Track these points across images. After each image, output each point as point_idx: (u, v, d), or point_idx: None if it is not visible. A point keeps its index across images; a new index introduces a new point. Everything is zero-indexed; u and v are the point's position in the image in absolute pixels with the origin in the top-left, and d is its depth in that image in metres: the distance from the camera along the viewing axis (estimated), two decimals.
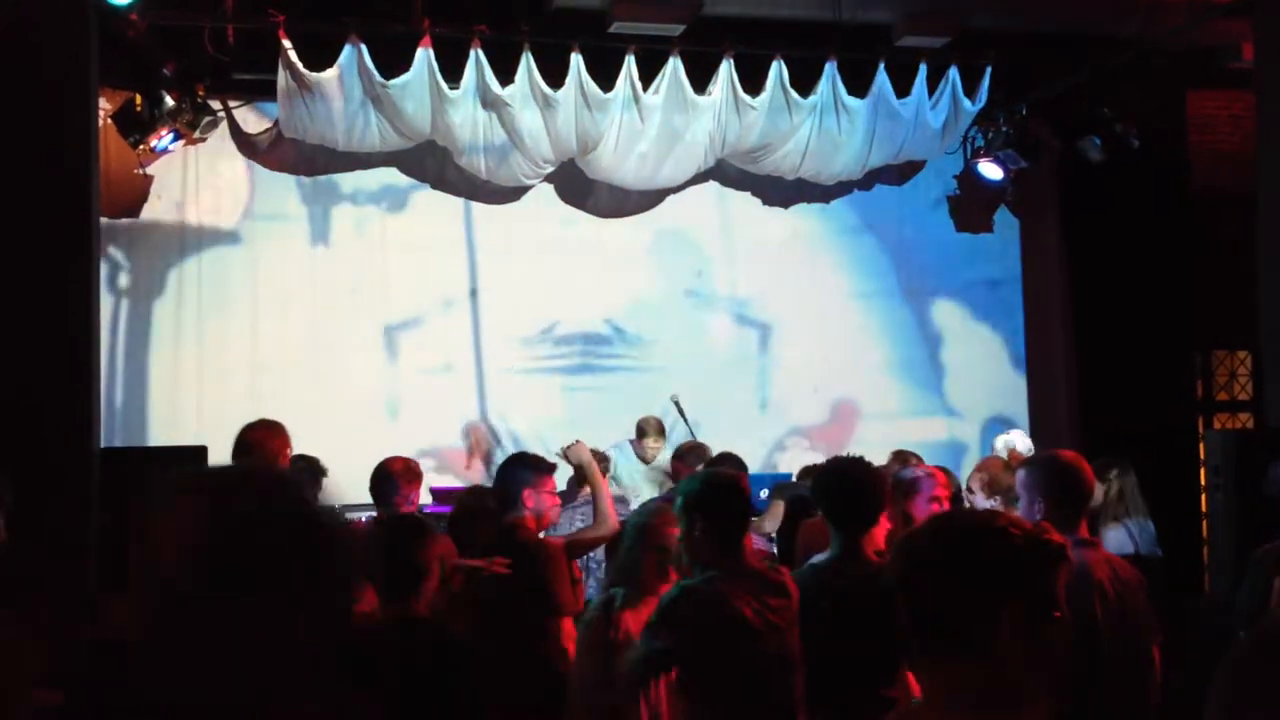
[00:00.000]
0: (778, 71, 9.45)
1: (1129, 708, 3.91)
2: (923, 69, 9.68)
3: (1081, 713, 3.77)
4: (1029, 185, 10.85)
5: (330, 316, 9.80)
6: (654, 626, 4.05)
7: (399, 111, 9.00)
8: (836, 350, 10.64)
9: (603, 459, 8.11)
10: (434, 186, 10.08)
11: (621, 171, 9.81)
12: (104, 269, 8.72)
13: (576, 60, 9.07)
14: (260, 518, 1.59)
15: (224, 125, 9.57)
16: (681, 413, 9.17)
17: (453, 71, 8.92)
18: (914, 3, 9.27)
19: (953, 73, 9.72)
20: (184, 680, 1.54)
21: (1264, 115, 8.16)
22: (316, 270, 9.86)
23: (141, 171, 9.40)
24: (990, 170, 10.46)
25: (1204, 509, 8.89)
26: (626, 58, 9.18)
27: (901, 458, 7.16)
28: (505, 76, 8.99)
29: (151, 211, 9.57)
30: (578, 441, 6.04)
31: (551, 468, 5.62)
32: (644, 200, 10.35)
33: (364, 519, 6.32)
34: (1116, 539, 6.28)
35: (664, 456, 9.11)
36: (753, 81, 9.45)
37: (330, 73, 8.76)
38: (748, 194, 10.64)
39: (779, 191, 10.61)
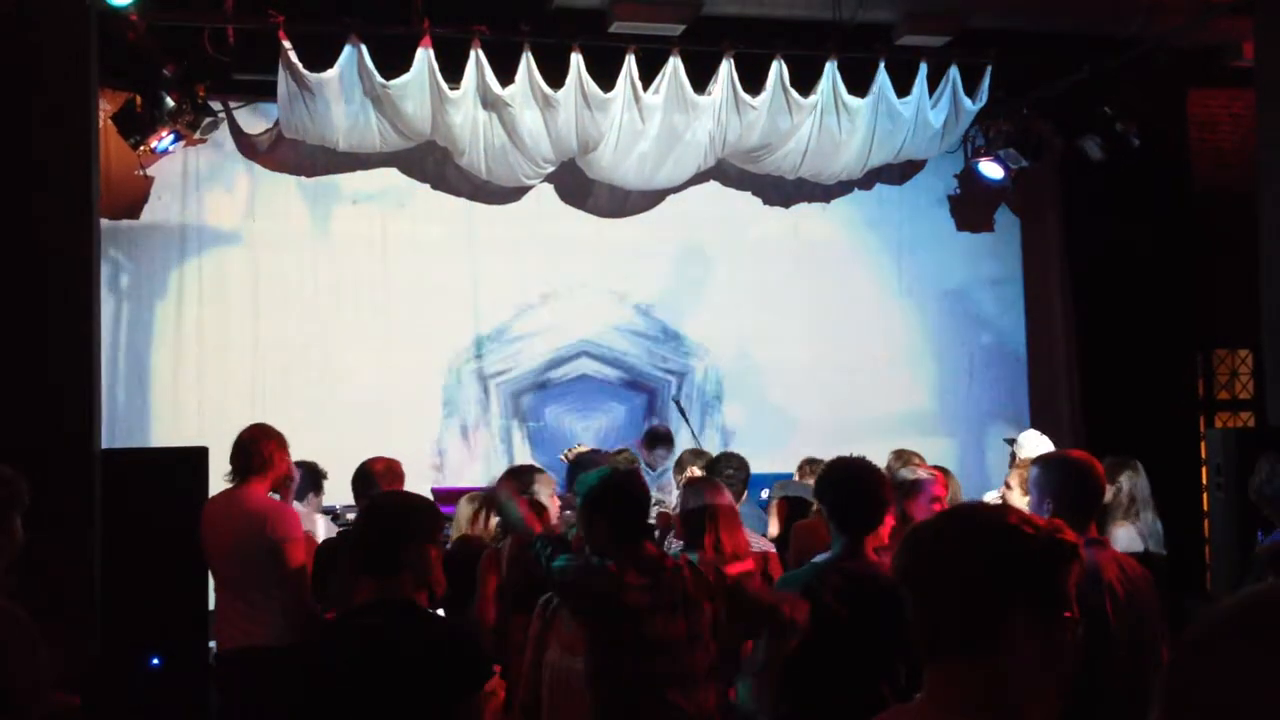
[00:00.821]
0: (778, 71, 9.44)
1: (1138, 708, 3.90)
2: (923, 68, 9.67)
3: (1090, 713, 3.76)
4: (1030, 184, 10.84)
5: (331, 317, 9.80)
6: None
7: (399, 112, 9.00)
8: (837, 349, 10.63)
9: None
10: (434, 187, 10.08)
11: (622, 171, 9.81)
12: (105, 270, 8.71)
13: (577, 60, 9.06)
14: None
15: (224, 126, 9.58)
16: (684, 414, 9.17)
17: (453, 72, 8.91)
18: (914, 2, 9.26)
19: (953, 72, 9.71)
20: None
21: (1265, 114, 8.15)
22: (317, 271, 9.86)
23: (142, 172, 9.40)
24: (991, 169, 10.45)
25: (1205, 508, 8.88)
26: (627, 57, 9.17)
27: (902, 457, 7.15)
28: (505, 77, 8.99)
29: (152, 213, 9.57)
30: (580, 445, 6.07)
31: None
32: (644, 200, 10.35)
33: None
34: (1126, 537, 6.27)
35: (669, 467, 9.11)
36: (753, 81, 9.45)
37: (330, 73, 8.75)
38: (748, 194, 10.64)
39: (779, 191, 10.61)
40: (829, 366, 10.57)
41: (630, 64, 9.18)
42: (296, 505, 6.36)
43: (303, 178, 9.87)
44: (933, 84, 9.72)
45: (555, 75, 9.06)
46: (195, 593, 6.43)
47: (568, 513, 5.91)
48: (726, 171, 10.39)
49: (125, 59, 8.37)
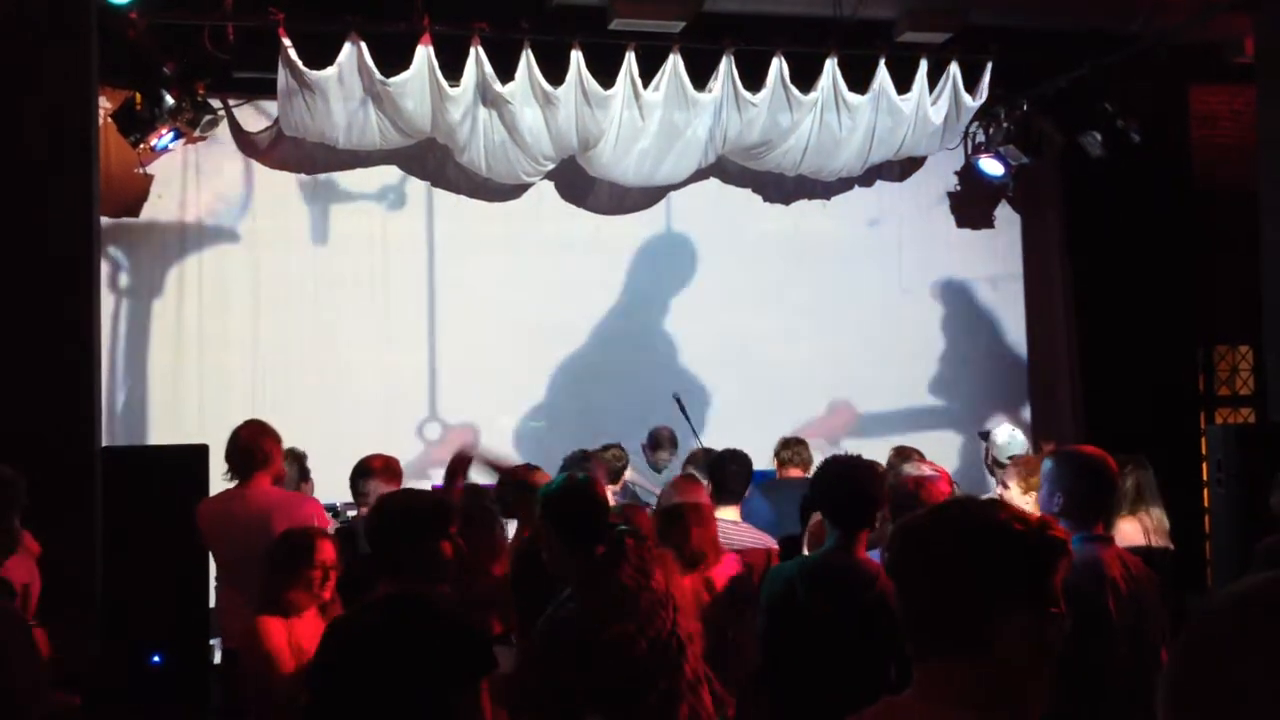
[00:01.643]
0: (778, 68, 9.43)
1: (1141, 706, 3.90)
2: (923, 65, 9.67)
3: (1093, 711, 3.76)
4: (1030, 181, 10.84)
5: (331, 315, 9.80)
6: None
7: (399, 109, 8.99)
8: (838, 347, 10.63)
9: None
10: (434, 184, 10.08)
11: (622, 168, 9.80)
12: (104, 268, 8.72)
13: (577, 57, 9.05)
14: None
15: (224, 124, 9.55)
16: (683, 410, 9.15)
17: (453, 69, 8.91)
18: None
19: (953, 68, 9.71)
20: None
21: (1265, 109, 8.15)
22: (317, 268, 9.87)
23: (142, 170, 9.40)
24: (991, 166, 10.44)
25: (1206, 504, 8.88)
26: (627, 55, 9.16)
27: (903, 454, 7.15)
28: (505, 74, 8.98)
29: (152, 210, 9.57)
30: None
31: None
32: (644, 197, 10.34)
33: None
34: (1129, 531, 6.28)
35: (674, 468, 9.11)
36: (753, 78, 9.44)
37: (330, 71, 8.74)
38: (748, 191, 10.64)
39: (780, 188, 10.61)
40: (829, 363, 10.57)
41: (630, 61, 9.17)
42: None
43: (303, 175, 9.87)
44: (933, 81, 9.72)
45: (555, 72, 9.05)
46: (196, 590, 6.44)
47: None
48: (727, 169, 10.39)
49: (125, 57, 8.37)
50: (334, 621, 3.97)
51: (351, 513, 6.99)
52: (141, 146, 8.92)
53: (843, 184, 10.62)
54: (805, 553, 5.79)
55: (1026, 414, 10.88)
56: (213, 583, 6.45)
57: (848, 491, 4.44)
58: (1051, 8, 9.46)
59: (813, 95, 9.57)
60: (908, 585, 2.03)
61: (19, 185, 6.63)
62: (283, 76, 8.72)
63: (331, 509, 7.61)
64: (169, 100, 8.61)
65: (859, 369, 10.63)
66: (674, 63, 9.24)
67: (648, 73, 9.26)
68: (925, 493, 5.08)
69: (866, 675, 3.99)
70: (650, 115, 9.39)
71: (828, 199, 10.75)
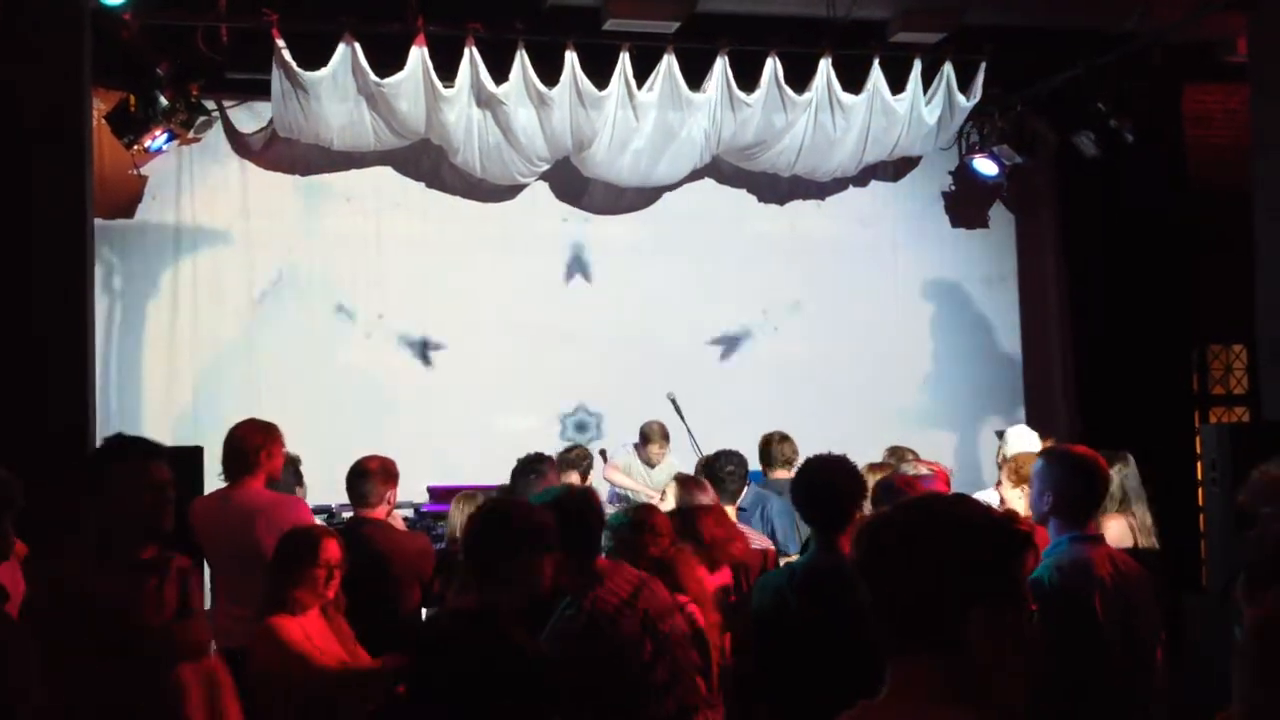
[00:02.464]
0: (772, 68, 9.44)
1: (1131, 705, 3.90)
2: (917, 65, 9.68)
3: (1084, 710, 3.76)
4: (1024, 181, 10.84)
5: (326, 316, 9.79)
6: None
7: (393, 110, 8.99)
8: (832, 346, 10.63)
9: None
10: (429, 185, 10.08)
11: (616, 169, 9.81)
12: (98, 270, 8.70)
13: (571, 58, 9.06)
14: None
15: (218, 125, 9.56)
16: (678, 411, 9.16)
17: (447, 70, 8.91)
18: None
19: (947, 68, 9.72)
20: None
21: (1259, 109, 8.16)
22: (312, 270, 9.85)
23: (136, 172, 9.38)
24: (985, 166, 10.45)
25: (1200, 503, 8.89)
26: (621, 55, 9.17)
27: (897, 454, 7.16)
28: (500, 75, 8.98)
29: (146, 212, 9.56)
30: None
31: None
32: (639, 198, 10.34)
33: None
34: (1117, 530, 6.27)
35: (669, 461, 9.10)
36: (747, 78, 9.45)
37: (324, 72, 8.74)
38: (743, 191, 10.64)
39: (774, 188, 10.61)
40: (824, 363, 10.57)
41: (625, 61, 9.18)
42: None
43: (297, 176, 9.87)
44: (927, 81, 9.73)
45: (550, 73, 9.06)
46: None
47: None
48: (721, 169, 10.39)
49: (119, 58, 8.36)
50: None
51: (347, 514, 6.98)
52: (135, 148, 8.91)
53: (837, 184, 10.62)
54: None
55: (1021, 413, 10.87)
56: (208, 583, 6.44)
57: (823, 492, 4.43)
58: (1045, 8, 9.47)
59: (807, 95, 9.58)
60: (876, 582, 2.02)
61: (12, 186, 6.62)
62: (276, 78, 8.72)
63: (326, 510, 7.61)
64: (163, 101, 8.60)
65: (853, 368, 10.63)
66: (668, 63, 9.25)
67: (642, 73, 9.26)
68: (913, 491, 5.07)
69: (860, 677, 3.99)
70: (645, 116, 9.40)
71: (822, 199, 10.75)
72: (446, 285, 10.07)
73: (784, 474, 7.42)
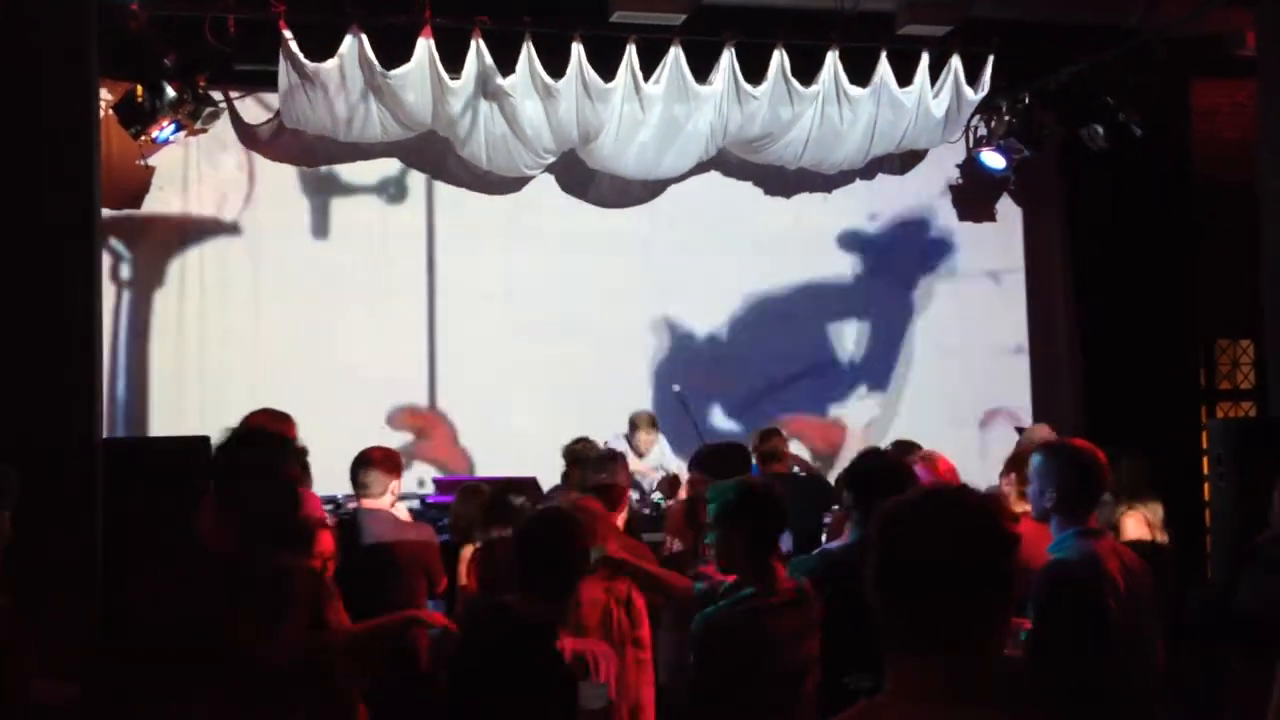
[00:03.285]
0: (779, 61, 9.43)
1: (1135, 697, 3.90)
2: (925, 58, 9.66)
3: (1091, 702, 3.75)
4: (1031, 174, 10.83)
5: (332, 307, 9.80)
6: None
7: (400, 102, 8.99)
8: (838, 339, 10.63)
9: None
10: (435, 177, 10.08)
11: (622, 161, 9.81)
12: (106, 260, 8.73)
13: (577, 50, 9.05)
14: None
15: (225, 116, 9.57)
16: (685, 405, 9.16)
17: (454, 62, 8.91)
18: None
19: (955, 61, 9.70)
20: None
21: (1266, 104, 8.13)
22: (318, 261, 9.87)
23: (143, 163, 9.40)
24: (993, 159, 10.44)
25: (1207, 498, 8.88)
26: (627, 47, 9.16)
27: (903, 448, 7.16)
28: (506, 67, 8.98)
29: (153, 203, 9.58)
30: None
31: None
32: (645, 190, 10.34)
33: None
34: (1133, 526, 6.27)
35: (658, 449, 9.11)
36: (754, 71, 9.44)
37: (331, 63, 8.75)
38: (749, 184, 10.63)
39: (781, 181, 10.60)
40: (829, 356, 10.57)
41: (631, 54, 9.17)
42: None
43: (303, 168, 9.88)
44: (934, 74, 9.72)
45: (556, 65, 9.05)
46: None
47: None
48: (728, 161, 10.38)
49: (126, 49, 8.36)
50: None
51: (352, 505, 6.99)
52: (143, 139, 8.92)
53: (844, 177, 10.61)
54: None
55: (1028, 407, 10.87)
56: None
57: (878, 486, 4.42)
58: (1052, 2, 9.45)
59: (814, 88, 9.57)
60: (888, 586, 2.01)
61: (19, 178, 6.62)
62: (284, 69, 8.73)
63: (332, 501, 7.62)
64: (170, 92, 8.61)
65: (859, 362, 10.63)
66: (675, 55, 9.24)
67: (648, 66, 9.26)
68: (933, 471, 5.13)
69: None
70: (651, 108, 9.39)
71: (829, 192, 10.74)
72: (452, 277, 10.07)
73: (779, 468, 7.44)
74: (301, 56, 8.65)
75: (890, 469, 4.61)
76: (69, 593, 5.86)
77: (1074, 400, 10.75)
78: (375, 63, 8.75)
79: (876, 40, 9.54)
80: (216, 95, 9.24)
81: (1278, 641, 4.09)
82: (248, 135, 9.76)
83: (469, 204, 10.10)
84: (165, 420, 9.32)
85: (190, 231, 9.68)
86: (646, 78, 9.28)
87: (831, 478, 8.61)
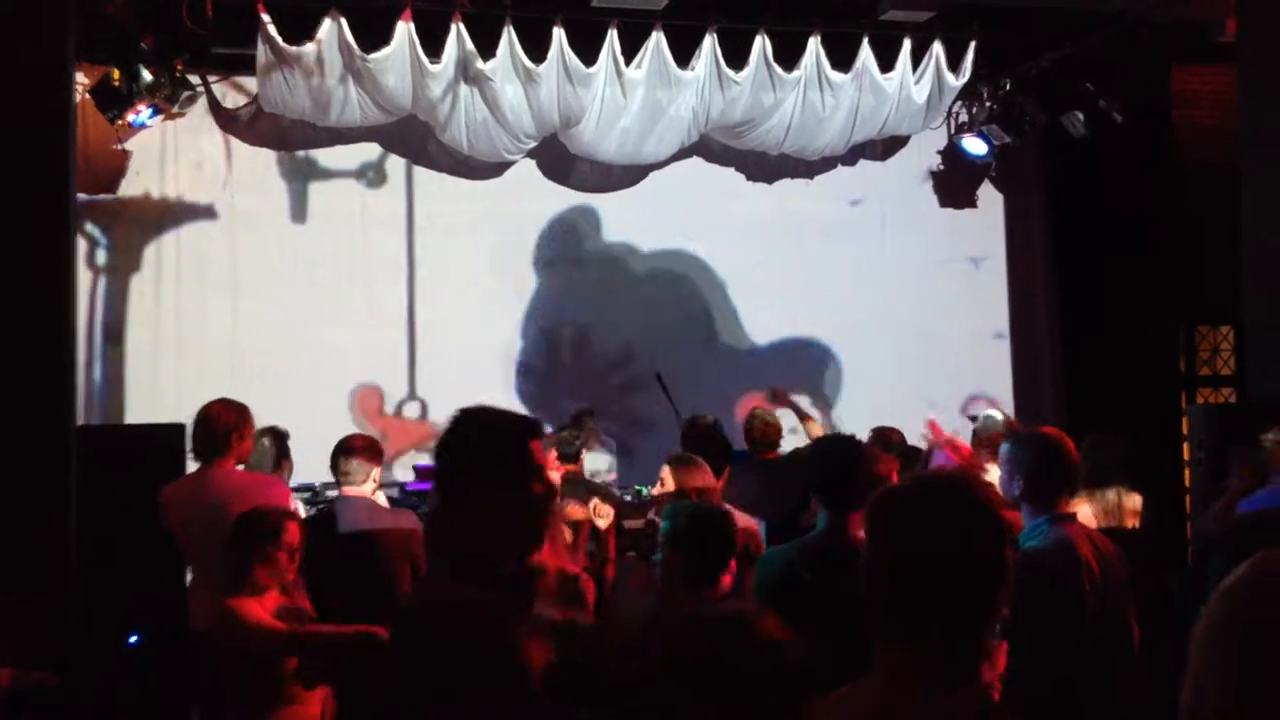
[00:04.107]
0: (761, 46, 9.41)
1: (1111, 680, 3.91)
2: (906, 43, 9.65)
3: (1066, 687, 3.76)
4: (1013, 160, 10.84)
5: (311, 293, 9.75)
6: None
7: (379, 86, 8.94)
8: (819, 325, 10.63)
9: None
10: (415, 162, 10.03)
11: (604, 147, 9.78)
12: (81, 245, 8.67)
13: (559, 34, 9.01)
14: None
15: (203, 100, 9.50)
16: (665, 389, 9.14)
17: (434, 45, 8.86)
18: None
19: (936, 47, 9.69)
20: None
21: (1246, 90, 8.15)
22: (297, 246, 9.81)
23: (119, 147, 9.32)
24: (974, 145, 10.44)
25: (1187, 484, 8.90)
26: (609, 32, 9.12)
27: (883, 434, 7.15)
28: (487, 51, 8.93)
29: (129, 187, 9.51)
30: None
31: None
32: (627, 176, 10.31)
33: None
34: (1082, 514, 6.28)
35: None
36: (736, 56, 9.41)
37: (310, 47, 8.69)
38: (731, 169, 10.61)
39: (763, 167, 10.58)
40: (811, 342, 10.57)
41: (612, 38, 9.13)
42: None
43: (282, 152, 9.82)
44: (916, 60, 9.70)
45: (537, 49, 9.01)
46: (173, 569, 6.39)
47: None
48: (710, 147, 10.36)
49: (103, 32, 8.29)
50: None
51: (331, 493, 6.96)
52: (119, 123, 8.85)
53: (826, 163, 10.60)
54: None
55: (1009, 393, 10.89)
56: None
57: (840, 471, 4.43)
58: None
59: (796, 74, 9.55)
60: (889, 576, 2.00)
61: None
62: (262, 52, 8.66)
63: (309, 489, 7.59)
64: (147, 76, 8.54)
65: (840, 348, 10.63)
66: (657, 40, 9.20)
67: (630, 50, 9.22)
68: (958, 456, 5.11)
69: (858, 655, 3.99)
70: (633, 93, 9.36)
71: (811, 178, 10.73)
72: (431, 263, 10.03)
73: (770, 455, 7.42)
74: (280, 40, 8.59)
75: (852, 454, 4.56)
76: (43, 581, 5.82)
77: (1054, 386, 10.77)
78: (354, 46, 8.69)
79: (858, 26, 9.52)
80: (194, 79, 9.16)
81: None
82: (225, 119, 9.69)
83: (449, 189, 10.05)
84: (141, 407, 9.26)
85: (167, 216, 9.61)
86: (628, 62, 9.24)
87: None
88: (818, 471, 4.55)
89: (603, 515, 5.25)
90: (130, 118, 8.80)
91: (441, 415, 9.83)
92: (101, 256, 9.48)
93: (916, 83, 9.76)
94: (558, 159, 10.11)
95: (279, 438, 6.91)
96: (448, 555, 2.74)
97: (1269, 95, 7.79)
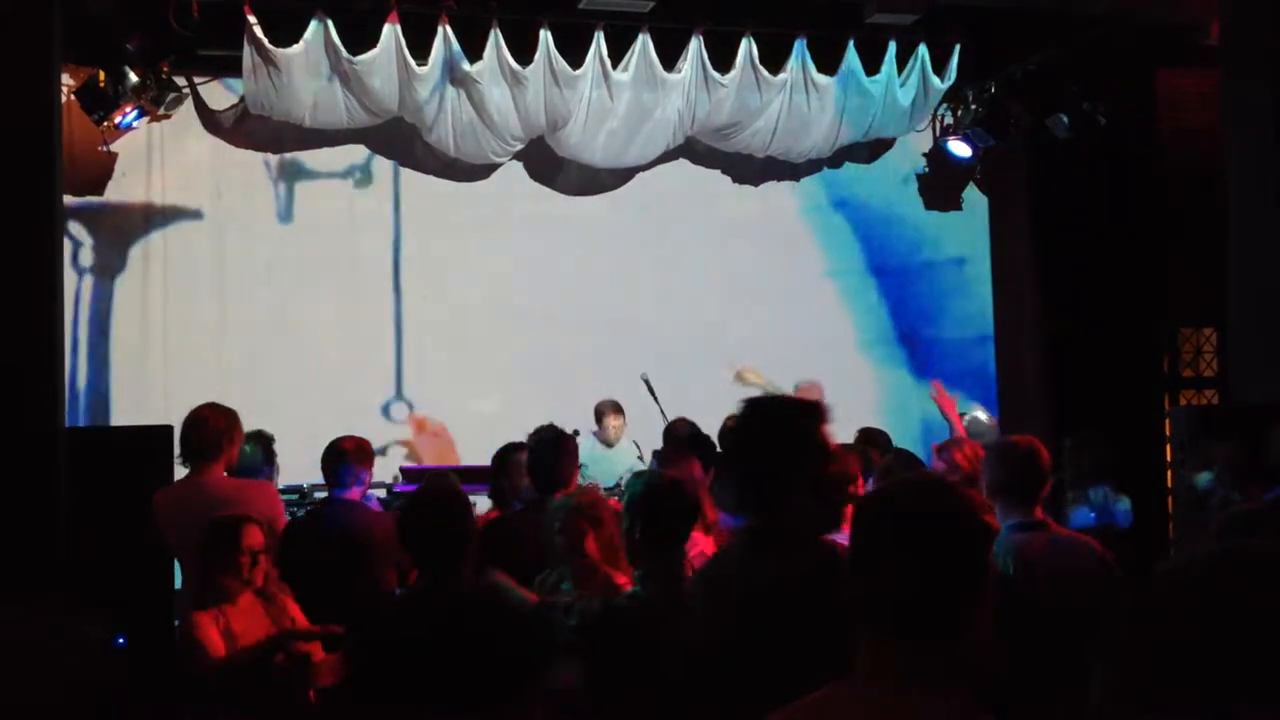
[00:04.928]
0: (747, 49, 9.44)
1: (1065, 688, 3.93)
2: (892, 46, 9.68)
3: (1020, 694, 3.78)
4: (998, 163, 10.87)
5: (297, 295, 9.75)
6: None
7: (366, 88, 8.94)
8: (804, 328, 10.64)
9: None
10: (402, 164, 10.03)
11: (591, 149, 9.79)
12: (68, 247, 8.64)
13: (545, 37, 9.02)
14: None
15: (189, 102, 9.49)
16: (651, 391, 9.15)
17: (420, 48, 8.86)
18: None
19: (922, 50, 9.73)
20: None
21: (1230, 93, 8.18)
22: (283, 248, 9.80)
23: (105, 149, 9.31)
24: (959, 148, 10.48)
25: (1170, 485, 8.95)
26: (595, 34, 9.14)
27: (868, 436, 7.17)
28: (473, 53, 8.94)
29: (116, 189, 9.49)
30: None
31: None
32: (613, 178, 10.32)
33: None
34: (1077, 514, 6.32)
35: (626, 436, 9.08)
36: (722, 59, 9.44)
37: (296, 49, 8.69)
38: (717, 172, 10.62)
39: (749, 169, 10.60)
40: (796, 345, 10.58)
41: (599, 41, 9.15)
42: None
43: (268, 154, 9.80)
44: (901, 62, 9.74)
45: (524, 52, 9.02)
46: (160, 571, 6.38)
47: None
48: (696, 149, 10.37)
49: (89, 33, 8.27)
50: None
51: (320, 495, 6.95)
52: (105, 124, 8.85)
53: (811, 165, 10.62)
54: None
55: (993, 395, 10.92)
56: (178, 565, 6.41)
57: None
58: None
59: (781, 76, 9.58)
60: (867, 571, 2.02)
61: None
62: (248, 54, 8.66)
63: (298, 491, 7.58)
64: (133, 78, 8.53)
65: (826, 350, 10.64)
66: (643, 43, 9.23)
67: (617, 53, 9.24)
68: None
69: (839, 657, 3.99)
70: (619, 96, 9.38)
71: (796, 180, 10.76)
72: (418, 264, 10.03)
73: None
74: (266, 42, 8.59)
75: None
76: (29, 584, 5.81)
77: (1039, 387, 10.80)
78: (341, 48, 8.70)
79: (844, 29, 9.54)
80: (180, 81, 9.16)
81: None
82: (212, 121, 9.68)
83: (436, 191, 10.05)
84: (128, 409, 9.24)
85: (154, 218, 9.59)
86: (615, 65, 9.26)
87: None
88: None
89: None
90: (116, 119, 8.79)
91: (427, 416, 9.85)
92: (88, 258, 9.46)
93: (902, 85, 9.79)
94: (545, 161, 10.12)
95: (265, 441, 6.91)
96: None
97: (1253, 98, 7.83)
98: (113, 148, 9.36)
